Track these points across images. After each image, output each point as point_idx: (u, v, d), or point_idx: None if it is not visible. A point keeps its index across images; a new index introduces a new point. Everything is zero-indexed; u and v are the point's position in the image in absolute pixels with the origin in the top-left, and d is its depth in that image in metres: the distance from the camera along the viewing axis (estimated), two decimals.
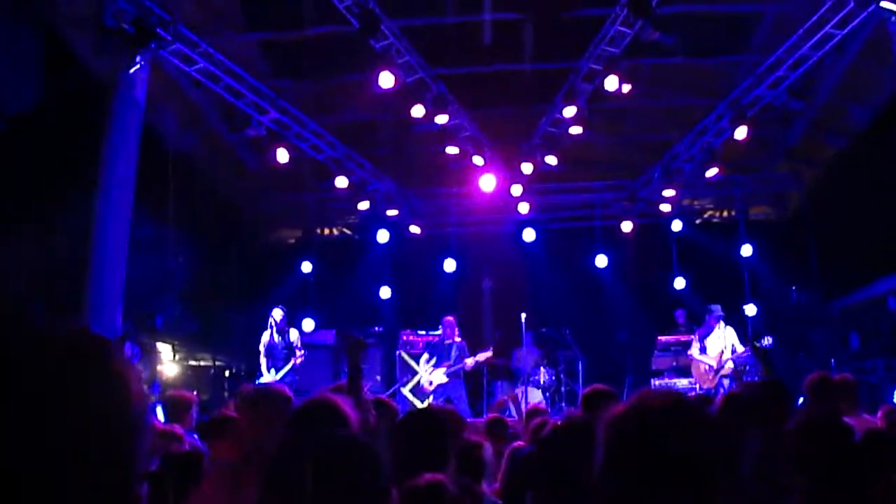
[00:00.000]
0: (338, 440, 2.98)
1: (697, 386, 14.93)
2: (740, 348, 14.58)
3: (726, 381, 14.35)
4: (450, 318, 15.54)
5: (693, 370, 15.10)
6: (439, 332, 15.75)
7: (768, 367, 7.10)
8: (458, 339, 15.42)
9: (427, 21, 15.68)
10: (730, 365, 14.49)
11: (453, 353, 15.15)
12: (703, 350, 14.87)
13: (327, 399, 3.87)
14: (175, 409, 7.33)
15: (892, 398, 14.02)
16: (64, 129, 12.69)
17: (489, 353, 15.48)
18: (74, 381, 1.44)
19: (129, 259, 12.98)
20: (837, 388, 6.95)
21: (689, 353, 15.27)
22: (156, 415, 8.41)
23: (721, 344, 14.70)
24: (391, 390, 15.78)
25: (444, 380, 15.08)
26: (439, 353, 15.26)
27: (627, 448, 2.10)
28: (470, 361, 15.23)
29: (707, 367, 14.70)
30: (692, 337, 16.01)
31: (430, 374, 15.04)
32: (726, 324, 15.06)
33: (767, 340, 14.32)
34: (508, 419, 10.10)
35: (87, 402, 1.44)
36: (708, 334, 15.01)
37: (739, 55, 16.70)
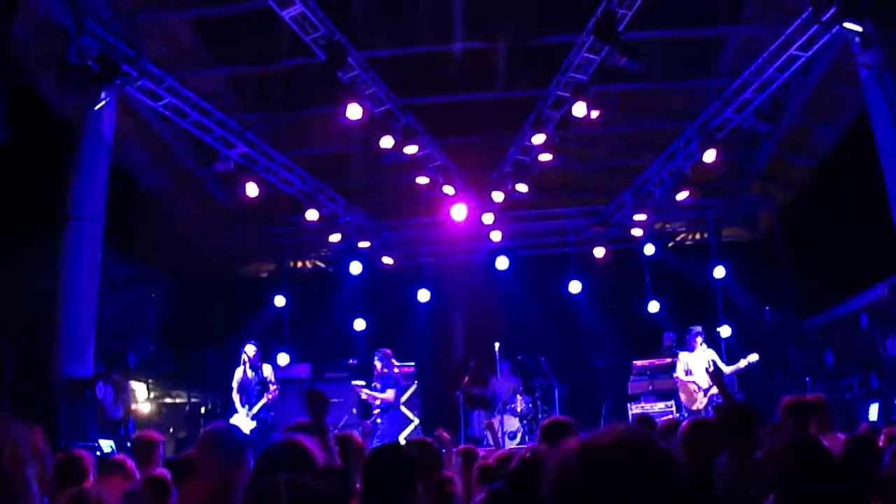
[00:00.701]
0: (309, 491, 2.93)
1: (684, 408, 14.90)
2: (727, 368, 14.60)
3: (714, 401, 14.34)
4: (386, 350, 15.11)
5: (681, 392, 15.07)
6: (378, 363, 15.04)
7: (724, 390, 7.10)
8: (385, 371, 14.60)
9: (394, 52, 15.71)
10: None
11: (379, 387, 14.51)
12: (688, 372, 14.87)
13: (294, 441, 3.81)
14: (141, 451, 7.27)
15: (868, 415, 14.05)
16: (31, 167, 12.63)
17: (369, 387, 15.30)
18: None
19: (101, 297, 12.89)
20: (811, 408, 6.95)
21: (674, 375, 15.25)
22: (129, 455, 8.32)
23: (704, 363, 14.65)
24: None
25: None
26: (375, 387, 14.62)
27: (572, 491, 2.04)
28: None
29: (696, 388, 14.69)
30: (671, 360, 16.06)
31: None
32: (707, 344, 15.11)
33: (754, 357, 14.40)
34: (484, 449, 10.04)
35: None
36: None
37: (706, 79, 16.84)
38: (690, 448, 5.28)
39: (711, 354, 14.97)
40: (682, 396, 15.00)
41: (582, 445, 2.08)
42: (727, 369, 14.61)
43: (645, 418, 9.74)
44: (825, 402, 7.39)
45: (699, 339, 15.03)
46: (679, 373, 15.07)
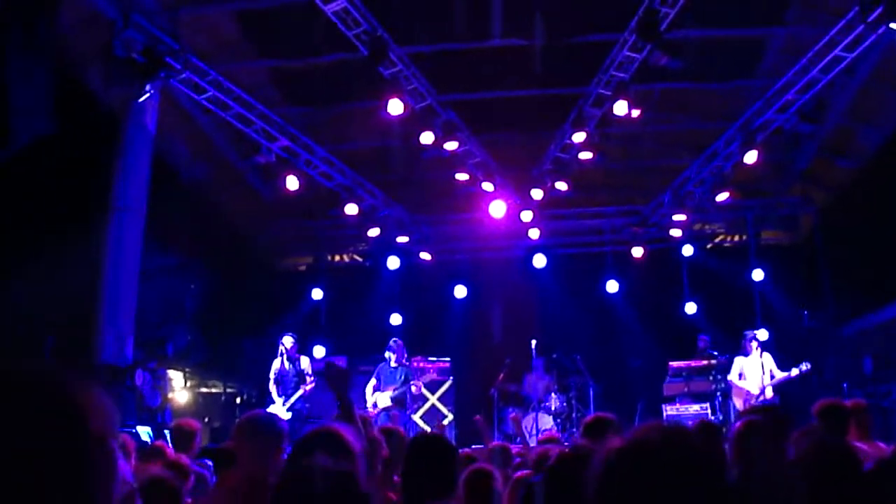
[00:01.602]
0: (335, 476, 2.95)
1: (736, 411, 14.80)
2: (778, 373, 14.48)
3: None
4: (399, 340, 15.16)
5: (734, 396, 14.99)
6: (387, 354, 15.07)
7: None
8: (405, 363, 14.80)
9: (435, 48, 15.73)
10: (769, 392, 14.40)
11: (399, 377, 14.49)
12: (741, 376, 14.79)
13: (330, 429, 3.84)
14: (181, 438, 7.39)
15: None
16: (76, 158, 12.75)
17: (431, 376, 15.27)
18: (17, 419, 1.43)
19: (141, 286, 13.03)
20: (849, 414, 6.89)
21: (728, 378, 15.16)
22: (167, 442, 8.42)
23: (759, 369, 14.59)
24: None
25: (388, 403, 14.30)
26: (385, 377, 14.63)
27: (617, 490, 2.03)
28: (414, 388, 14.67)
29: (747, 393, 14.60)
30: (707, 363, 16.01)
31: (374, 397, 14.52)
32: (762, 349, 14.97)
33: (805, 366, 14.20)
34: (516, 447, 10.03)
35: (32, 440, 1.43)
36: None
37: (749, 79, 16.71)
38: (739, 450, 5.26)
39: (768, 359, 14.78)
40: (735, 400, 14.89)
41: (627, 443, 2.09)
42: (778, 375, 14.49)
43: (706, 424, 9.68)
44: (864, 408, 7.31)
45: (754, 344, 14.83)
46: (733, 376, 14.94)
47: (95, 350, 12.08)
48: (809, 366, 14.27)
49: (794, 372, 14.38)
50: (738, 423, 5.73)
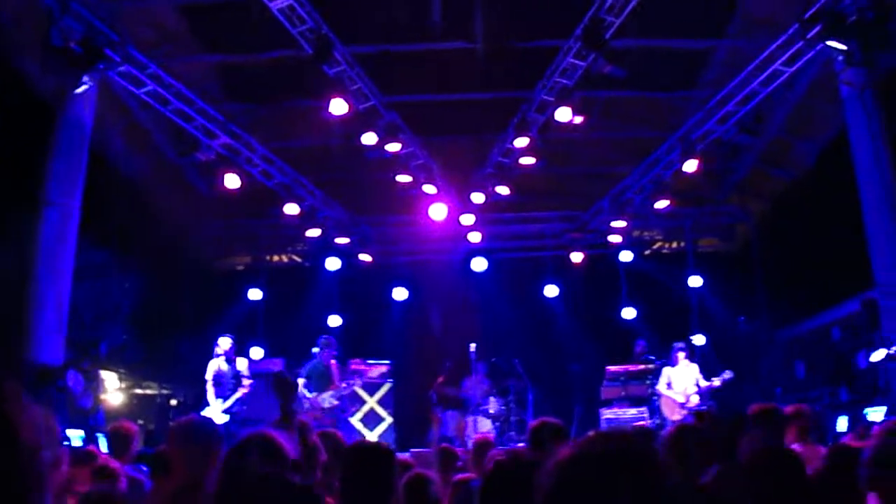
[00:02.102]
0: (276, 483, 2.91)
1: (665, 419, 14.98)
2: (704, 382, 14.77)
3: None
4: (331, 337, 14.99)
5: (662, 405, 15.21)
6: (316, 350, 14.68)
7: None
8: (333, 362, 14.54)
9: (380, 48, 15.68)
10: (695, 399, 14.69)
11: (334, 375, 14.29)
12: (669, 385, 15.03)
13: (264, 434, 3.76)
14: (117, 442, 7.24)
15: (836, 427, 14.16)
16: (8, 150, 12.46)
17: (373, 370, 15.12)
18: None
19: (74, 284, 12.74)
20: (784, 418, 6.97)
21: (656, 388, 15.40)
22: (98, 445, 8.26)
23: (686, 379, 14.91)
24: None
25: (335, 403, 14.09)
26: (318, 375, 14.33)
27: (568, 498, 2.00)
28: (344, 385, 14.41)
29: (674, 402, 14.86)
30: (644, 367, 16.18)
31: (315, 397, 14.01)
32: (689, 359, 15.24)
33: (728, 375, 14.55)
34: (458, 449, 10.01)
35: None
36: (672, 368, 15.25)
37: (690, 90, 16.90)
38: (675, 454, 5.28)
39: (694, 369, 15.12)
40: (664, 409, 15.13)
41: (575, 452, 2.06)
42: (703, 384, 14.78)
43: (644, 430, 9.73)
44: (806, 413, 7.41)
45: (682, 355, 15.19)
46: (661, 386, 15.25)
47: (25, 350, 11.79)
48: (732, 374, 14.65)
49: (717, 381, 14.71)
50: (670, 428, 5.77)
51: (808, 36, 12.46)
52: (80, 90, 12.46)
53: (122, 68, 13.28)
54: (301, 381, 14.16)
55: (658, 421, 15.29)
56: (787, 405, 7.63)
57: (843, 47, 11.87)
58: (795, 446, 6.75)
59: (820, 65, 13.87)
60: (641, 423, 15.20)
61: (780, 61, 13.63)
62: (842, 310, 16.87)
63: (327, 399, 13.89)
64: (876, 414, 11.97)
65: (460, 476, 6.59)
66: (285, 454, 3.67)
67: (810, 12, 12.33)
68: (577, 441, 2.15)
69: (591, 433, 2.18)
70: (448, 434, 16.57)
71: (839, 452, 5.15)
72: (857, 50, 11.84)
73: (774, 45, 13.56)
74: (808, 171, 17.55)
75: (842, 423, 14.11)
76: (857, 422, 12.57)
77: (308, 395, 13.98)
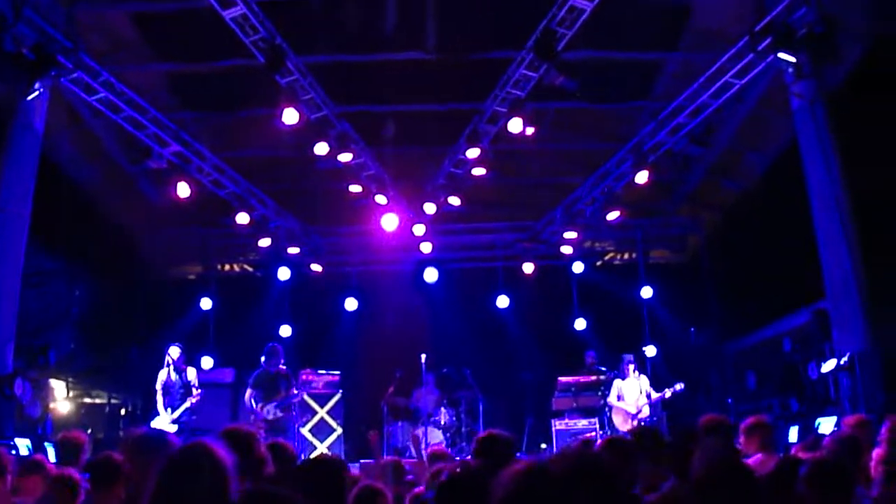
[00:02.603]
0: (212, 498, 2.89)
1: (616, 430, 15.09)
2: (655, 394, 14.96)
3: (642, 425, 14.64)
4: (277, 345, 14.85)
5: (613, 415, 15.34)
6: (263, 359, 14.30)
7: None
8: (282, 368, 14.20)
9: (333, 58, 15.65)
10: (646, 410, 14.86)
11: (282, 385, 13.96)
12: (620, 397, 15.18)
13: (202, 445, 3.64)
14: (67, 451, 7.16)
15: (787, 437, 14.30)
16: None
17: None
18: None
19: (23, 291, 12.58)
20: (750, 430, 7.04)
21: (608, 399, 15.52)
22: (46, 454, 8.16)
23: (636, 390, 15.08)
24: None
25: (280, 414, 13.76)
26: (265, 385, 14.00)
27: None
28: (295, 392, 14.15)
29: (626, 413, 15.01)
30: (596, 378, 16.30)
31: (259, 408, 13.73)
32: (639, 371, 15.41)
33: (679, 386, 14.72)
34: (408, 461, 10.00)
35: None
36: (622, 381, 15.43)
37: (641, 101, 17.01)
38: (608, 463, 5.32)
39: (644, 381, 15.35)
40: (615, 420, 15.27)
41: (528, 467, 2.05)
42: (654, 395, 14.96)
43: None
44: (767, 424, 7.48)
45: (631, 367, 15.40)
46: (612, 398, 15.47)
47: None
48: (683, 386, 14.82)
49: (668, 392, 14.88)
50: (601, 440, 5.82)
51: (759, 48, 12.63)
52: (31, 97, 12.34)
53: (74, 75, 13.15)
54: (248, 392, 14.04)
55: (609, 433, 15.38)
56: (740, 416, 7.70)
57: (793, 60, 12.05)
58: (757, 456, 6.82)
59: (770, 77, 14.03)
60: (591, 433, 15.29)
61: (730, 73, 13.79)
62: (792, 320, 17.05)
63: (272, 410, 13.73)
64: (827, 424, 12.10)
65: (417, 490, 6.58)
66: (223, 464, 3.58)
67: (760, 25, 12.51)
68: (533, 457, 2.15)
69: (546, 451, 2.17)
70: (398, 445, 16.55)
71: (786, 463, 5.21)
72: (807, 63, 12.03)
73: (725, 58, 13.71)
74: (759, 183, 17.74)
75: (793, 434, 14.27)
76: (808, 432, 12.72)
77: (254, 405, 13.84)
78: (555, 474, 2.00)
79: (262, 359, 14.24)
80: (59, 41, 12.45)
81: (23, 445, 11.27)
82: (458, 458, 10.64)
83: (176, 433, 12.71)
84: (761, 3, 12.91)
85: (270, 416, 13.70)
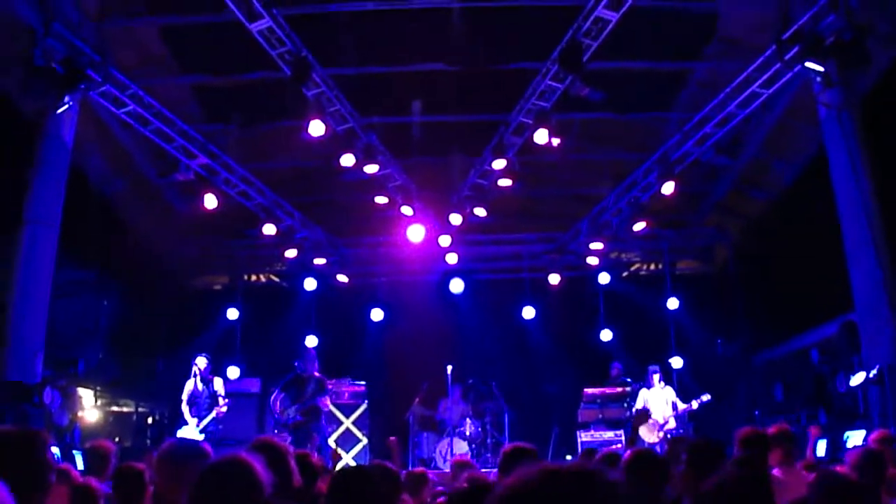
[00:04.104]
0: None
1: (641, 440, 15.04)
2: (681, 405, 14.88)
3: (670, 436, 14.59)
4: (311, 349, 14.81)
5: (640, 427, 15.27)
6: (296, 364, 14.24)
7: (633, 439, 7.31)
8: (316, 374, 14.17)
9: (359, 70, 15.71)
10: (672, 422, 14.82)
11: (309, 389, 13.89)
12: (646, 407, 15.15)
13: (238, 459, 3.60)
14: (94, 460, 7.20)
15: (815, 449, 14.19)
16: None
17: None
18: None
19: (52, 302, 12.67)
20: (768, 441, 6.93)
21: (634, 409, 15.47)
22: (74, 463, 8.20)
23: (663, 402, 15.01)
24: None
25: (299, 419, 13.67)
26: (293, 389, 13.98)
27: None
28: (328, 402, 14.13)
29: (653, 423, 14.95)
30: (622, 390, 16.26)
31: (281, 413, 13.79)
32: (664, 382, 15.37)
33: (706, 397, 14.64)
34: (434, 471, 9.98)
35: None
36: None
37: (668, 112, 16.97)
38: (633, 477, 5.29)
39: (669, 392, 15.29)
40: (641, 432, 15.18)
41: (506, 490, 2.02)
42: (680, 406, 14.88)
43: (588, 451, 9.71)
44: (789, 434, 7.37)
45: (656, 377, 15.32)
46: (638, 407, 15.29)
47: (3, 366, 11.72)
48: (710, 397, 14.74)
49: (695, 404, 14.80)
50: (628, 454, 5.76)
51: (786, 57, 12.48)
52: (61, 110, 12.44)
53: (103, 88, 13.27)
54: (275, 394, 13.99)
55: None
56: (768, 427, 7.59)
57: (821, 69, 11.93)
58: (776, 471, 6.72)
59: (798, 86, 13.95)
60: (618, 445, 15.23)
61: (757, 83, 13.68)
62: (821, 332, 16.90)
63: (292, 414, 13.70)
64: (855, 438, 11.99)
65: (439, 501, 6.56)
66: (260, 481, 3.55)
67: (788, 34, 12.38)
68: (523, 471, 2.11)
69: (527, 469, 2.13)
70: (423, 456, 16.55)
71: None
72: (835, 71, 11.92)
73: (752, 67, 13.61)
74: (787, 193, 17.64)
75: (821, 447, 14.15)
76: (837, 445, 12.62)
77: (277, 408, 13.84)
78: (547, 489, 1.98)
79: (296, 363, 14.24)
80: (88, 55, 12.56)
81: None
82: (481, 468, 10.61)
83: (202, 442, 12.75)
84: (788, 11, 12.82)
85: (290, 421, 13.69)
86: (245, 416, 16.72)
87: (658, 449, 13.82)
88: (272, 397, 14.00)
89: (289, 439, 13.23)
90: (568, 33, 13.43)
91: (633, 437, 9.22)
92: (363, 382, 17.65)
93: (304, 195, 19.25)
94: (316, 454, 11.14)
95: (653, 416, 15.05)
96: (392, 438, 10.67)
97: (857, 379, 12.63)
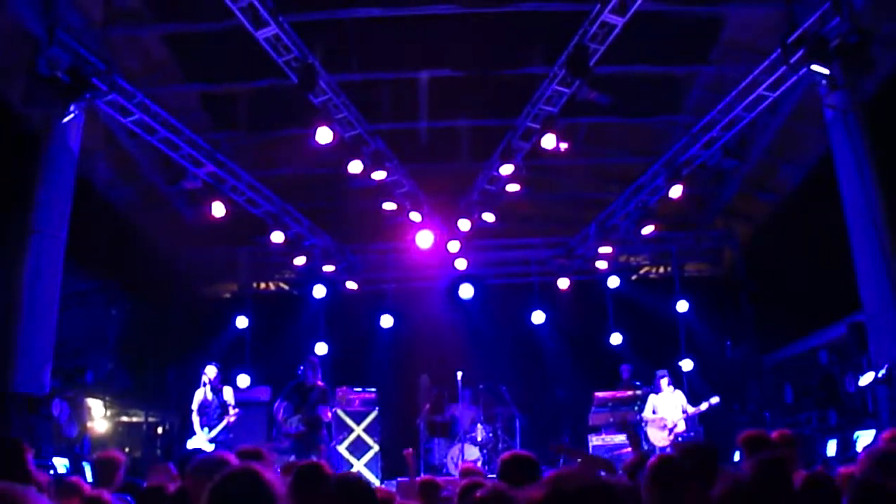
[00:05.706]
0: None
1: (650, 444, 15.01)
2: (690, 408, 14.87)
3: (680, 440, 14.59)
4: (314, 357, 14.80)
5: (649, 431, 15.25)
6: (300, 370, 14.21)
7: (636, 444, 7.23)
8: (320, 383, 14.14)
9: (366, 76, 15.72)
10: (682, 425, 14.78)
11: (312, 398, 13.81)
12: (655, 412, 15.14)
13: (250, 470, 3.53)
14: (103, 471, 7.17)
15: (825, 450, 14.16)
16: None
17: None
18: None
19: (60, 312, 12.65)
20: (776, 445, 6.89)
21: (642, 414, 15.47)
22: (84, 474, 8.20)
23: (671, 405, 15.00)
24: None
25: (302, 429, 13.57)
26: (295, 398, 13.91)
27: None
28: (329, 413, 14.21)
29: (662, 426, 14.93)
30: (632, 393, 16.25)
31: (284, 422, 13.71)
32: (674, 386, 15.35)
33: (714, 400, 14.63)
34: (444, 478, 9.95)
35: None
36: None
37: (674, 115, 16.97)
38: (659, 483, 5.25)
39: (679, 396, 15.23)
40: (651, 436, 15.15)
41: (546, 494, 2.02)
42: (690, 409, 14.86)
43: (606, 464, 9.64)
44: (791, 439, 7.35)
45: (665, 382, 15.31)
46: (647, 412, 15.42)
47: (11, 378, 11.69)
48: (719, 399, 14.70)
49: (704, 406, 14.80)
50: (653, 459, 5.71)
51: (792, 61, 12.47)
52: (66, 119, 12.42)
53: (108, 97, 13.23)
54: (278, 402, 13.97)
55: (646, 448, 15.29)
56: (776, 430, 7.56)
57: (826, 71, 11.90)
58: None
59: (803, 89, 13.93)
60: (629, 448, 15.19)
61: (763, 86, 13.66)
62: (829, 333, 16.90)
63: (295, 423, 13.67)
64: (865, 437, 11.97)
65: None
66: (273, 492, 3.53)
67: (793, 37, 12.36)
68: (548, 480, 2.10)
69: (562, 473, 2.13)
70: (434, 462, 16.53)
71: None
72: (840, 74, 11.91)
73: (758, 70, 13.60)
74: (794, 195, 17.64)
75: (831, 447, 14.13)
76: (847, 445, 12.59)
77: (280, 417, 13.80)
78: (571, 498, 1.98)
79: (300, 370, 14.23)
80: (93, 63, 12.53)
81: (60, 465, 11.33)
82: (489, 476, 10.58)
83: (213, 452, 12.74)
84: (793, 14, 12.81)
85: (293, 431, 13.67)
86: (255, 424, 16.72)
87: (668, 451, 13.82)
88: (275, 405, 14.00)
89: (289, 448, 13.29)
90: (574, 38, 13.41)
91: (635, 442, 9.22)
92: (373, 389, 17.62)
93: (312, 202, 19.24)
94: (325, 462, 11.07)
95: (663, 419, 15.04)
96: (408, 451, 10.62)
97: (865, 379, 12.63)
